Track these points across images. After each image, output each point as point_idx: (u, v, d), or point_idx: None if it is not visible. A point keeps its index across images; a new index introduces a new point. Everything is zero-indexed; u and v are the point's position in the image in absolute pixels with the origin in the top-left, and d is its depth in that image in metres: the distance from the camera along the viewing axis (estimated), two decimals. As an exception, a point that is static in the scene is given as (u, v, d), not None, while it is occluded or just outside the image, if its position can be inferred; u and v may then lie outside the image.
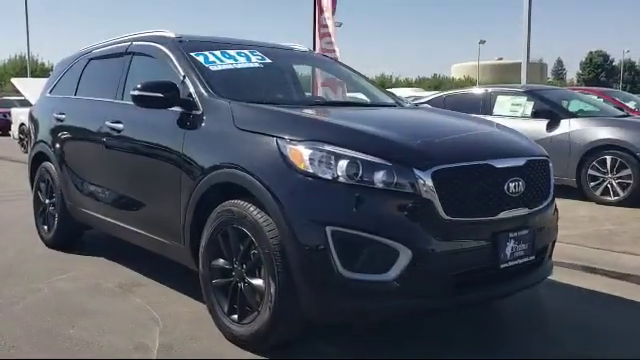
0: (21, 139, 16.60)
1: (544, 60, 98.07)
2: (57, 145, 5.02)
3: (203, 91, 3.56)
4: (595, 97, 11.31)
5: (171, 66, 3.87)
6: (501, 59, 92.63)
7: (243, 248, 3.06)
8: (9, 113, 19.58)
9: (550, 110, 8.04)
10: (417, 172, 2.72)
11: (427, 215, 2.71)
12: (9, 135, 18.52)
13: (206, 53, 3.94)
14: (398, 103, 4.38)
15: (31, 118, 5.77)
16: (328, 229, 2.68)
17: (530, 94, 8.50)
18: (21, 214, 6.83)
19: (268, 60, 4.17)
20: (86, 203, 4.67)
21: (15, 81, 20.83)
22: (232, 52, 4.06)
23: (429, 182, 2.71)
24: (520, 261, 3.01)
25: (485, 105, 8.75)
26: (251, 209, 2.97)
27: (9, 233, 5.93)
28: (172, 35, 4.15)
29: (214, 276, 3.24)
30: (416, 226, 2.70)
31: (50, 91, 5.61)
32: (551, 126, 7.85)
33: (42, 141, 5.30)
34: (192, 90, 3.60)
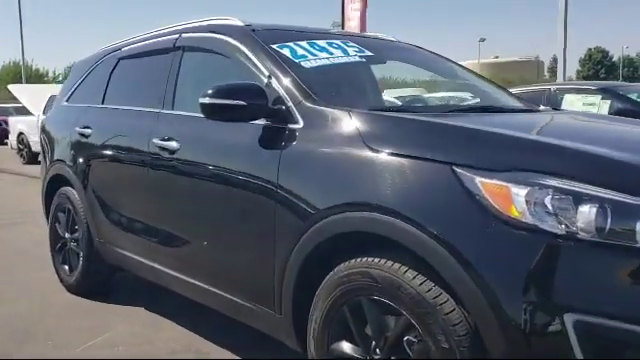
0: (20, 149, 15.60)
1: (540, 57, 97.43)
2: (81, 167, 3.98)
3: (301, 97, 2.54)
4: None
5: (246, 64, 2.85)
6: (497, 57, 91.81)
7: (392, 333, 2.04)
8: (6, 122, 18.55)
9: (633, 109, 7.04)
10: None
11: None
12: (6, 144, 17.51)
13: (291, 45, 2.92)
14: (531, 106, 3.35)
15: (44, 132, 4.72)
16: (568, 318, 1.66)
17: (605, 92, 7.54)
18: (31, 242, 5.83)
19: (369, 52, 3.14)
20: (122, 242, 3.64)
21: (12, 88, 19.77)
22: (321, 43, 3.04)
23: None
24: None
25: (550, 105, 7.73)
26: (408, 275, 1.96)
27: (19, 271, 4.88)
28: (240, 23, 3.13)
29: (336, 366, 2.22)
30: None
31: (68, 99, 4.57)
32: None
33: (60, 161, 4.26)
34: (284, 95, 2.58)
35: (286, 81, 2.62)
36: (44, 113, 14.84)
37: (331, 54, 2.95)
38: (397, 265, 2.00)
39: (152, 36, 3.79)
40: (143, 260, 3.43)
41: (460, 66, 3.68)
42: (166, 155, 3.12)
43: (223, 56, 3.06)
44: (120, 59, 4.04)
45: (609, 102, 7.30)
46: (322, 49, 2.97)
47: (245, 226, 2.63)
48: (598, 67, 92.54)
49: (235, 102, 2.50)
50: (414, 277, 1.95)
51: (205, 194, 2.88)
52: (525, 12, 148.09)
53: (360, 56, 3.06)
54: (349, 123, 2.31)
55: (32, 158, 15.13)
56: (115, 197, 3.69)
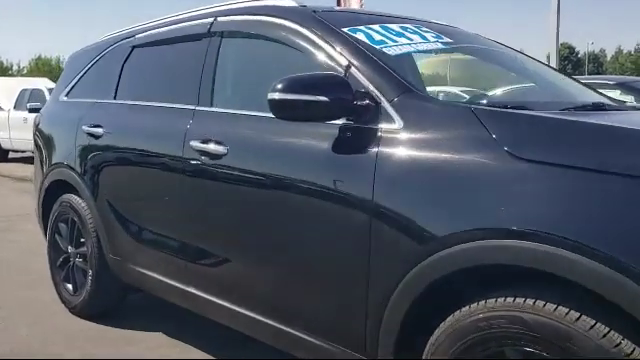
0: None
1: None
2: (91, 171, 3.44)
3: (396, 90, 2.06)
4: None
5: (312, 52, 2.37)
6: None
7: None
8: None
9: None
10: None
11: None
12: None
13: (363, 29, 2.44)
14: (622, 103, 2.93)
15: (38, 131, 4.15)
16: None
17: (624, 87, 7.23)
18: (16, 252, 5.27)
19: (447, 39, 2.67)
20: (145, 260, 3.12)
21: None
22: (395, 27, 2.56)
23: None
24: None
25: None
26: (583, 323, 1.50)
27: (7, 289, 4.28)
28: (294, 3, 2.63)
29: None
30: None
31: (67, 93, 4.00)
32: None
33: (63, 164, 3.70)
34: (371, 89, 2.11)
35: (373, 71, 2.14)
36: (15, 108, 14.06)
37: (411, 40, 2.48)
38: (564, 309, 1.54)
39: (175, 21, 3.27)
40: (173, 282, 2.91)
41: (532, 58, 3.22)
42: (208, 161, 2.61)
43: (278, 43, 2.57)
44: (134, 47, 3.49)
45: (631, 97, 7.00)
46: (399, 34, 2.50)
47: (324, 252, 2.14)
48: (565, 63, 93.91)
49: (315, 98, 2.02)
50: (592, 326, 1.49)
51: (265, 209, 2.38)
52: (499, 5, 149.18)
53: (442, 43, 2.59)
54: (475, 123, 1.83)
55: (2, 155, 14.37)
56: (136, 208, 3.16)
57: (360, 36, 2.36)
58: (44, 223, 4.03)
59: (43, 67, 30.76)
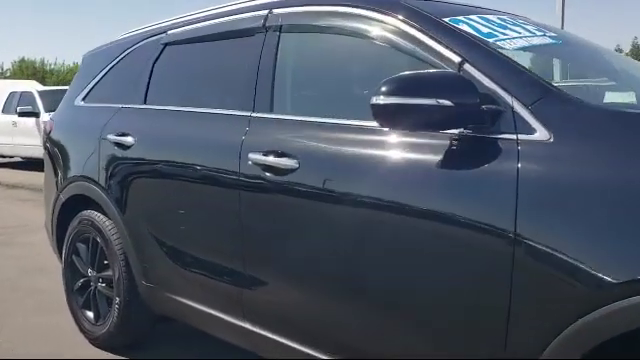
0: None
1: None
2: (119, 186, 3.02)
3: (535, 93, 1.68)
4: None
5: (407, 47, 1.99)
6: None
7: None
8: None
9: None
10: None
11: None
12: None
13: (463, 19, 2.05)
14: None
15: (51, 139, 3.71)
16: None
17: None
18: (15, 270, 4.87)
19: (552, 33, 2.30)
20: (188, 288, 2.72)
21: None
22: (493, 18, 2.18)
23: None
24: None
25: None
26: None
27: (16, 313, 3.83)
28: None
29: None
30: None
31: (84, 97, 3.57)
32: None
33: (83, 178, 3.28)
34: (499, 91, 1.72)
35: (497, 69, 1.76)
36: (3, 112, 13.51)
37: (519, 33, 2.10)
38: None
39: (216, 15, 2.86)
40: (224, 316, 2.50)
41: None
42: (273, 177, 2.21)
43: (356, 37, 2.19)
44: (166, 45, 3.08)
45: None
46: (502, 26, 2.12)
47: (445, 294, 1.75)
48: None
49: (436, 102, 1.62)
50: None
51: (359, 236, 1.98)
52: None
53: (550, 37, 2.21)
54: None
55: (-11, 161, 13.88)
56: (177, 228, 2.74)
57: (465, 27, 1.97)
58: (58, 242, 3.59)
59: (27, 69, 30.03)
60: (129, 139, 2.96)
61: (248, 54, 2.52)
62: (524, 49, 2.05)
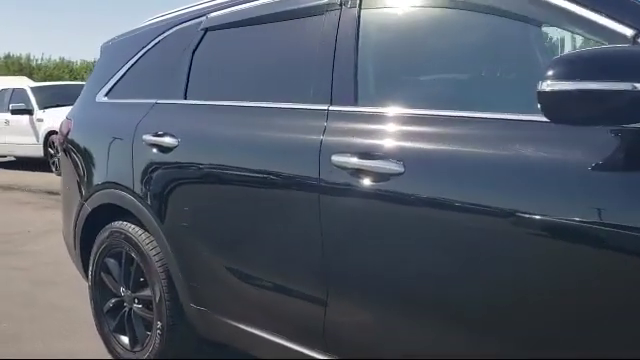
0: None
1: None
2: (160, 194, 2.62)
3: None
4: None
5: (544, 18, 1.60)
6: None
7: None
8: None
9: None
10: None
11: None
12: None
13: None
14: None
15: (70, 142, 3.30)
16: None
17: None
18: (27, 282, 4.48)
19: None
20: (250, 314, 2.33)
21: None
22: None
23: None
24: None
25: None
26: None
27: (40, 336, 3.43)
28: None
29: None
30: None
31: (107, 92, 3.15)
32: None
33: (115, 185, 2.87)
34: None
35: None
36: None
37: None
38: None
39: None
40: (308, 352, 2.11)
41: None
42: (368, 183, 1.82)
43: (477, 10, 1.78)
44: (208, 30, 2.67)
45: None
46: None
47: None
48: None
49: (635, 87, 1.24)
50: None
51: (489, 256, 1.60)
52: None
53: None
54: None
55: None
56: (237, 243, 2.35)
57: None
58: (82, 257, 3.19)
59: (13, 65, 29.30)
60: (171, 140, 2.56)
61: (319, 37, 2.13)
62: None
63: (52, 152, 10.63)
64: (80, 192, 3.13)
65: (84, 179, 3.11)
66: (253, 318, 2.32)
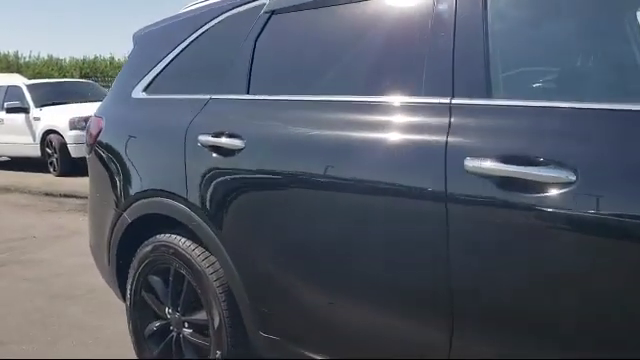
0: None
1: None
2: (221, 205, 2.25)
3: None
4: None
5: None
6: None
7: None
8: None
9: None
10: None
11: None
12: None
13: None
14: None
15: (100, 145, 2.91)
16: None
17: None
18: (43, 296, 4.09)
19: None
20: (343, 347, 1.96)
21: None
22: None
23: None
24: None
25: None
26: None
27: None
28: None
29: None
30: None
31: (146, 87, 2.77)
32: None
33: (161, 192, 2.50)
34: None
35: None
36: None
37: None
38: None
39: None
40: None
41: None
42: (522, 194, 1.46)
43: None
44: (274, 13, 2.30)
45: None
46: None
47: None
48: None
49: None
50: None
51: None
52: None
53: None
54: None
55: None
56: (325, 262, 1.98)
57: None
58: (117, 275, 2.81)
59: (0, 63, 28.61)
60: (235, 141, 2.19)
61: (429, 12, 1.76)
62: None
63: (50, 152, 10.18)
64: (115, 200, 2.75)
65: (120, 186, 2.74)
66: (342, 351, 1.96)
